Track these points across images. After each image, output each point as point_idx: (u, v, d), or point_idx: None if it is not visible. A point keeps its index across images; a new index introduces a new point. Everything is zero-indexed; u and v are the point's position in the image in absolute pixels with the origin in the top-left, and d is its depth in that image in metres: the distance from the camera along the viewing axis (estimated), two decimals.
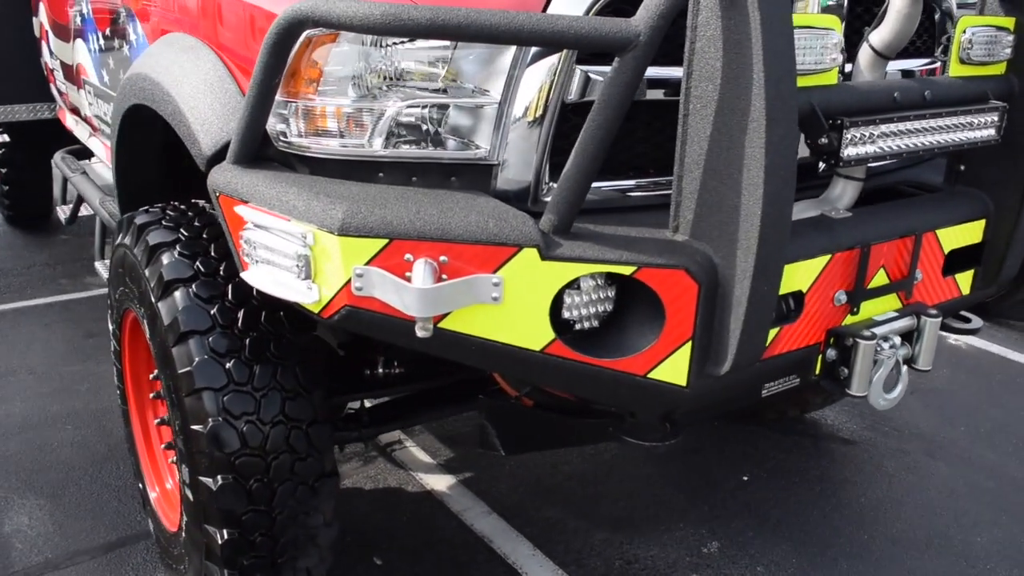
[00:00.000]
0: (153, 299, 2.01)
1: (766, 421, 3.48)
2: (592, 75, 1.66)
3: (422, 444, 3.28)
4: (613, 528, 2.83)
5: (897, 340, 1.91)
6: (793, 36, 1.50)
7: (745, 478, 3.15)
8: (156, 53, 2.15)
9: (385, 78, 1.70)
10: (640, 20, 1.45)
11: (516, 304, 1.58)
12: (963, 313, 2.34)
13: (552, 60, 1.63)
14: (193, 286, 1.99)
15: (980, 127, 1.93)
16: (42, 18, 4.14)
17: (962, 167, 2.14)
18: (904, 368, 1.96)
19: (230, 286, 2.01)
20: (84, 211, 4.45)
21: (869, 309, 1.92)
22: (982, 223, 2.11)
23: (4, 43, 4.50)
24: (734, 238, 1.56)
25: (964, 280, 2.15)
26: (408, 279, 1.54)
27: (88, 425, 3.37)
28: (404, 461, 3.15)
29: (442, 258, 1.55)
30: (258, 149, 1.79)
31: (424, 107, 1.69)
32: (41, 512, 2.84)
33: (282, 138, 1.79)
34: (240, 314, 1.98)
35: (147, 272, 2.05)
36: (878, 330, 1.86)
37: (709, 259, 1.59)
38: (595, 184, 1.64)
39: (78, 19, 3.27)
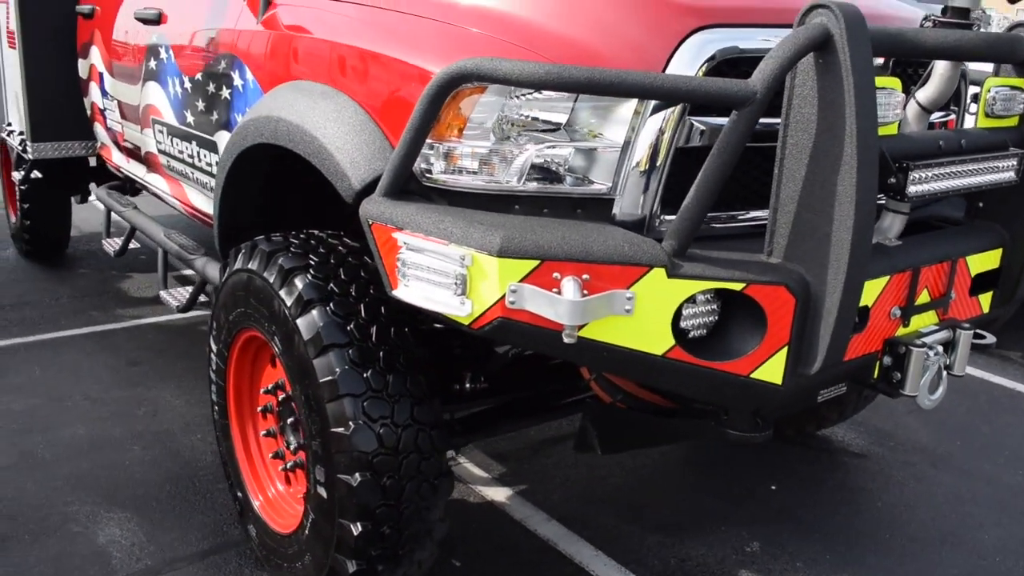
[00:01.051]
0: (291, 318, 2.26)
1: (787, 437, 3.81)
2: (699, 124, 1.99)
3: (474, 461, 3.52)
4: (663, 532, 3.11)
5: (940, 349, 2.24)
6: (875, 95, 1.84)
7: (774, 487, 3.46)
8: (285, 98, 2.42)
9: (522, 124, 2.00)
10: (757, 81, 1.78)
11: (644, 315, 1.88)
12: (977, 331, 2.70)
13: (668, 112, 1.95)
14: (330, 305, 2.25)
15: (1002, 170, 2.29)
16: (93, 61, 4.36)
17: (981, 204, 2.51)
18: (944, 373, 2.30)
19: (361, 304, 2.28)
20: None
21: (916, 322, 2.25)
22: (999, 251, 2.47)
23: (55, 84, 4.70)
24: (825, 260, 1.88)
25: (985, 300, 2.51)
26: (559, 293, 1.84)
27: (153, 446, 3.55)
28: (462, 476, 3.39)
29: (584, 276, 1.84)
30: (405, 184, 2.07)
31: (554, 149, 1.99)
32: (130, 524, 3.02)
33: (426, 174, 2.07)
34: (373, 329, 2.24)
35: (282, 293, 2.30)
36: (926, 340, 2.20)
37: (802, 277, 1.91)
38: None
39: (152, 63, 3.52)
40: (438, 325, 2.52)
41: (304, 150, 2.27)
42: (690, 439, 3.40)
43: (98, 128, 4.62)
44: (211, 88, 3.02)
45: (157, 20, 3.45)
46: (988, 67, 2.40)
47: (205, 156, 3.20)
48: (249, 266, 2.45)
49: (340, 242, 2.46)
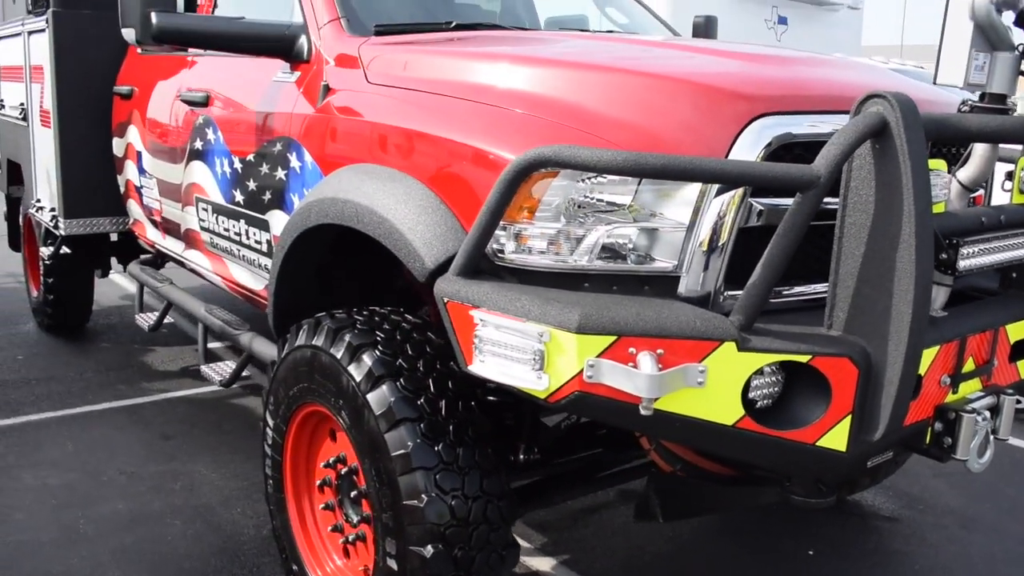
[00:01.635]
0: (361, 393, 2.33)
1: None
2: (760, 205, 2.11)
3: (516, 531, 3.53)
4: None
5: (987, 414, 2.33)
6: (929, 177, 1.97)
7: (811, 552, 3.50)
8: (349, 180, 2.53)
9: (590, 206, 2.11)
10: (820, 165, 1.90)
11: (715, 387, 1.96)
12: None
13: (731, 194, 2.07)
14: (400, 380, 2.32)
15: None
16: (131, 139, 4.49)
17: (1015, 274, 2.62)
18: (991, 437, 2.38)
19: (430, 379, 2.35)
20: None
21: (963, 389, 2.34)
22: None
23: (88, 162, 4.82)
24: (886, 332, 1.98)
25: (1022, 366, 2.60)
26: (636, 368, 1.92)
27: (194, 520, 3.57)
28: None
29: (659, 351, 1.93)
30: (478, 263, 2.17)
31: (621, 229, 2.10)
32: None
33: (498, 254, 2.17)
34: (442, 404, 2.32)
35: (351, 369, 2.37)
36: (975, 405, 2.29)
37: (864, 349, 2.00)
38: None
39: (198, 143, 3.64)
40: (492, 398, 2.59)
41: (374, 231, 2.38)
42: (749, 505, 3.44)
43: (132, 205, 4.72)
44: (264, 169, 3.13)
45: (204, 103, 3.59)
46: (1018, 146, 2.53)
47: (254, 234, 3.30)
48: (314, 342, 2.52)
49: (402, 318, 2.55)
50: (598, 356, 1.94)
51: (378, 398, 2.31)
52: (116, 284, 7.11)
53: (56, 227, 4.98)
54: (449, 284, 2.15)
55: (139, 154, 4.40)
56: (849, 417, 2.02)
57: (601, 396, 1.96)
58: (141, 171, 4.41)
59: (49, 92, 4.91)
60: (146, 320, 4.66)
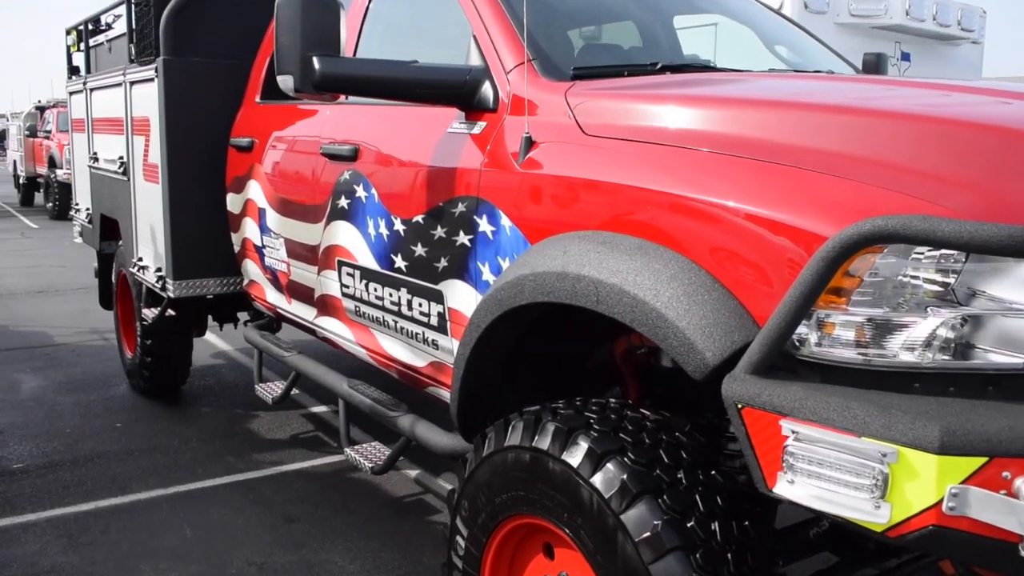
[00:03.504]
0: (612, 513, 1.91)
1: None
2: None
3: None
4: None
5: None
6: None
7: None
8: (582, 251, 2.12)
9: (915, 288, 1.69)
10: None
11: None
12: None
13: None
14: (663, 497, 1.90)
15: None
16: (250, 195, 4.17)
17: None
18: None
19: (696, 495, 1.93)
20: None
21: None
22: None
23: (200, 220, 4.52)
24: None
25: None
26: (1016, 497, 1.49)
27: None
28: None
29: None
30: (774, 359, 1.75)
31: (956, 314, 1.67)
32: None
33: (796, 346, 1.75)
34: (715, 527, 1.88)
35: (596, 483, 1.95)
36: None
37: None
38: None
39: (343, 201, 3.29)
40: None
41: (625, 315, 1.96)
42: None
43: (249, 265, 4.39)
44: (439, 232, 2.76)
45: (352, 156, 3.24)
46: None
47: (420, 305, 2.92)
48: (536, 444, 2.11)
49: (640, 413, 2.13)
50: (963, 482, 1.51)
51: (638, 520, 1.88)
52: (206, 341, 6.80)
53: (164, 289, 4.66)
54: (744, 386, 1.73)
55: (261, 211, 4.07)
56: None
57: (966, 532, 1.53)
58: (264, 230, 4.08)
59: (156, 145, 4.63)
60: (268, 392, 4.27)
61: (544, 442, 2.10)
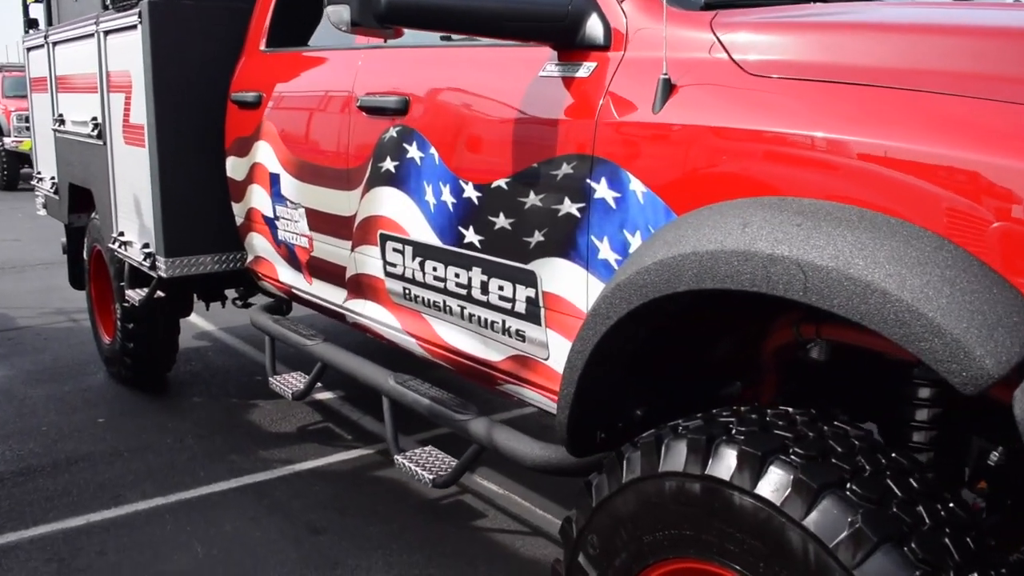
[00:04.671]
0: (841, 566, 1.45)
1: None
2: None
3: None
4: None
5: None
6: None
7: None
8: (774, 225, 1.63)
9: None
10: None
11: None
12: None
13: None
14: (910, 545, 1.44)
15: None
16: (259, 159, 3.60)
17: None
18: None
19: (947, 540, 1.47)
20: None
21: None
22: None
23: (196, 188, 3.93)
24: None
25: None
26: None
27: None
28: None
29: None
30: None
31: None
32: None
33: None
34: None
35: (812, 526, 1.49)
36: None
37: None
38: None
39: (389, 163, 2.76)
40: None
41: (854, 310, 1.49)
42: None
43: (256, 239, 3.83)
44: (533, 200, 2.25)
45: (402, 109, 2.70)
46: None
47: (502, 288, 2.42)
48: (712, 472, 1.64)
49: (840, 428, 1.67)
50: None
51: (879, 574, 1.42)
52: (187, 321, 6.18)
53: (153, 268, 4.08)
54: None
55: (273, 177, 3.51)
56: None
57: None
58: (277, 198, 3.51)
59: (140, 104, 4.01)
60: (287, 386, 3.71)
61: (725, 470, 1.63)
